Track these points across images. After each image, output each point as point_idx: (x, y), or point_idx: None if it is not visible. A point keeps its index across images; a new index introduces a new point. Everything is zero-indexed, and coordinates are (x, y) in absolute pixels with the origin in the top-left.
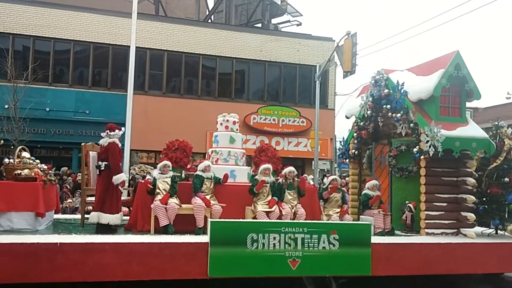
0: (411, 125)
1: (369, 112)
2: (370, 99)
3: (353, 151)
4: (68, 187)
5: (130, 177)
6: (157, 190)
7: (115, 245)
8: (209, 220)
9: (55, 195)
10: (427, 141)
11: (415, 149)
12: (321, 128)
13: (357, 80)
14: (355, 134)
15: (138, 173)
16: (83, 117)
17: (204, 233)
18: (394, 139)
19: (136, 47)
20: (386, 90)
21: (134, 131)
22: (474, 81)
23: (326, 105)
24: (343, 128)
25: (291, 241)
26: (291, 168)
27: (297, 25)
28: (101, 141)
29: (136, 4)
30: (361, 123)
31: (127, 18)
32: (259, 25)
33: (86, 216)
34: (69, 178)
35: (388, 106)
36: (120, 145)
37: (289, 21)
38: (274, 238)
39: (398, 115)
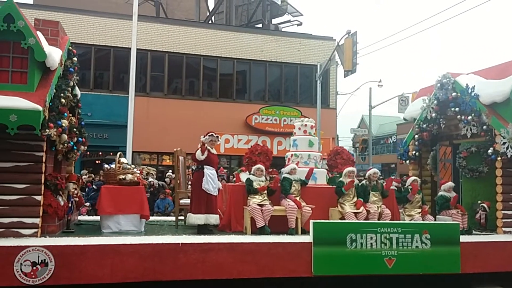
0: (484, 127)
1: (433, 114)
2: (435, 102)
3: (414, 152)
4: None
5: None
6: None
7: (229, 245)
8: (311, 221)
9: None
10: (504, 143)
11: (489, 151)
12: (323, 127)
13: (359, 79)
14: (416, 136)
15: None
16: (86, 120)
17: (296, 233)
18: (463, 141)
19: (137, 49)
20: (454, 93)
21: (136, 133)
22: None
23: (328, 105)
24: (344, 127)
25: (386, 241)
26: (375, 170)
27: (298, 25)
28: None
29: (136, 6)
30: (424, 125)
31: (128, 20)
32: (260, 25)
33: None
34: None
35: (457, 109)
36: (208, 149)
37: (289, 21)
38: (371, 238)
39: (469, 117)
